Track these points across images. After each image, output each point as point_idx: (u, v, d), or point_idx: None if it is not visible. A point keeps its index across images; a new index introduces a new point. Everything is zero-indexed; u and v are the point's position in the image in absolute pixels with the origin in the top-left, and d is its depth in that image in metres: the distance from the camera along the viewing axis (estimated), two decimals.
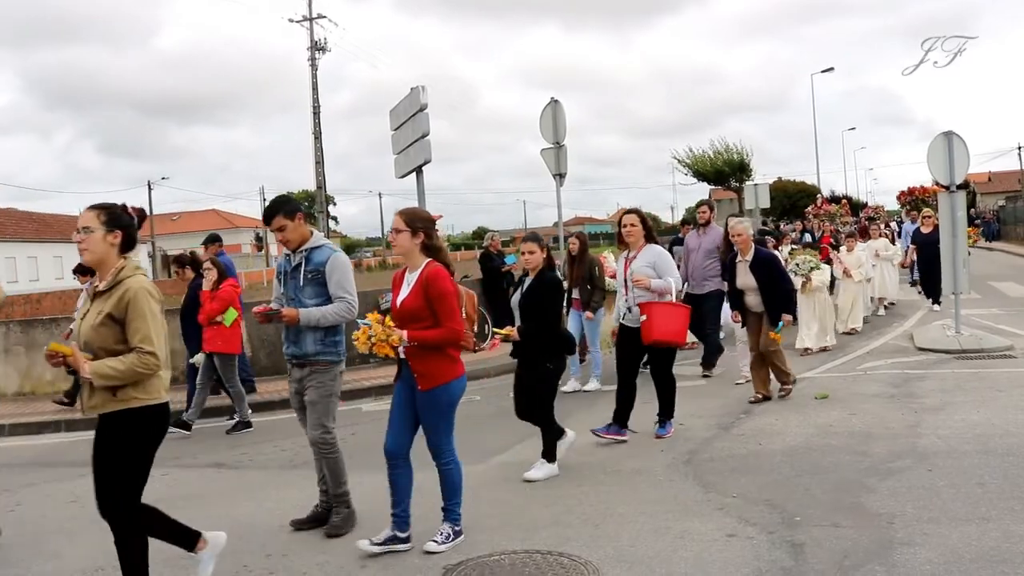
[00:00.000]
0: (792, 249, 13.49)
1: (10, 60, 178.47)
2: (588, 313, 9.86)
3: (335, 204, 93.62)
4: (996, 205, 50.10)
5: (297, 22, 43.60)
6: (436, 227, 5.05)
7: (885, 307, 15.14)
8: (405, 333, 4.70)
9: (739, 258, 8.33)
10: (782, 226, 23.65)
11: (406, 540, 4.89)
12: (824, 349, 11.33)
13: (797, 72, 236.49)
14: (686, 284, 9.91)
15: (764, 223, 24.84)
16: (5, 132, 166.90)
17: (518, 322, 6.35)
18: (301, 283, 5.31)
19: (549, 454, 6.31)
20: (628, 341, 7.10)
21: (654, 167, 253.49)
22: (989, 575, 4.02)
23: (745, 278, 8.25)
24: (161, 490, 6.81)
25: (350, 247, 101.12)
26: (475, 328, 5.20)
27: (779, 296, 8.14)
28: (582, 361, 10.32)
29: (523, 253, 6.32)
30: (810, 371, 9.83)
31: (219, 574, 4.74)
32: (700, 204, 10.93)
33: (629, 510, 5.31)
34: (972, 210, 46.35)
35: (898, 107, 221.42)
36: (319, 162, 43.36)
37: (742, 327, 8.62)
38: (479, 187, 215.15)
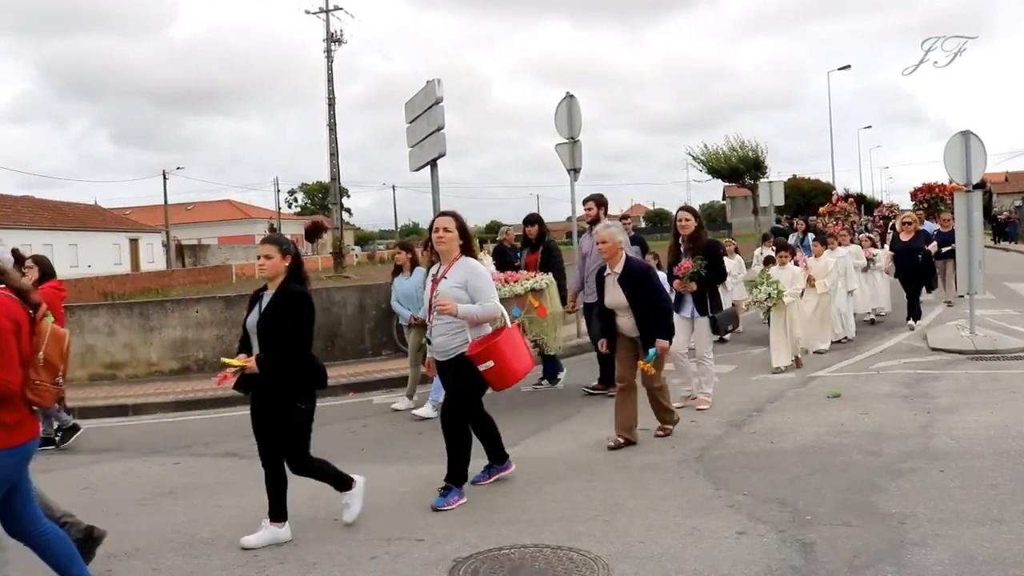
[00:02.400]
0: (766, 258, 11.98)
1: (26, 49, 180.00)
2: None
3: (349, 196, 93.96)
4: (1012, 205, 49.73)
5: (313, 14, 43.67)
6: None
7: (875, 319, 13.88)
8: None
9: (607, 270, 6.89)
10: (795, 223, 23.05)
11: None
12: (777, 370, 9.81)
13: (807, 69, 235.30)
14: (582, 293, 9.24)
15: (778, 220, 24.28)
16: (21, 120, 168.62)
17: (255, 348, 5.03)
18: None
19: (278, 512, 5.10)
20: (445, 377, 5.82)
21: (666, 163, 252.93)
22: None
23: (614, 294, 6.80)
24: (173, 478, 6.88)
25: (363, 240, 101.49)
26: (60, 377, 3.99)
27: (652, 317, 6.69)
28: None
29: (258, 257, 5.10)
30: (822, 370, 9.79)
31: (231, 562, 4.78)
32: (587, 200, 9.08)
33: (639, 506, 5.31)
34: (994, 210, 45.79)
35: (910, 106, 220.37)
36: (333, 154, 43.41)
37: (609, 353, 7.07)
38: (491, 181, 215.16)
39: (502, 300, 8.65)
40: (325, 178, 50.82)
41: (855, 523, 4.80)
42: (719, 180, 52.14)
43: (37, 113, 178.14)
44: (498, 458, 6.06)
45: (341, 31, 44.46)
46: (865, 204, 50.65)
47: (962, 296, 15.04)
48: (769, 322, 10.44)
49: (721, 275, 8.15)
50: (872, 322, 13.72)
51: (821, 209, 27.54)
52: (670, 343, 6.78)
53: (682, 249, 8.05)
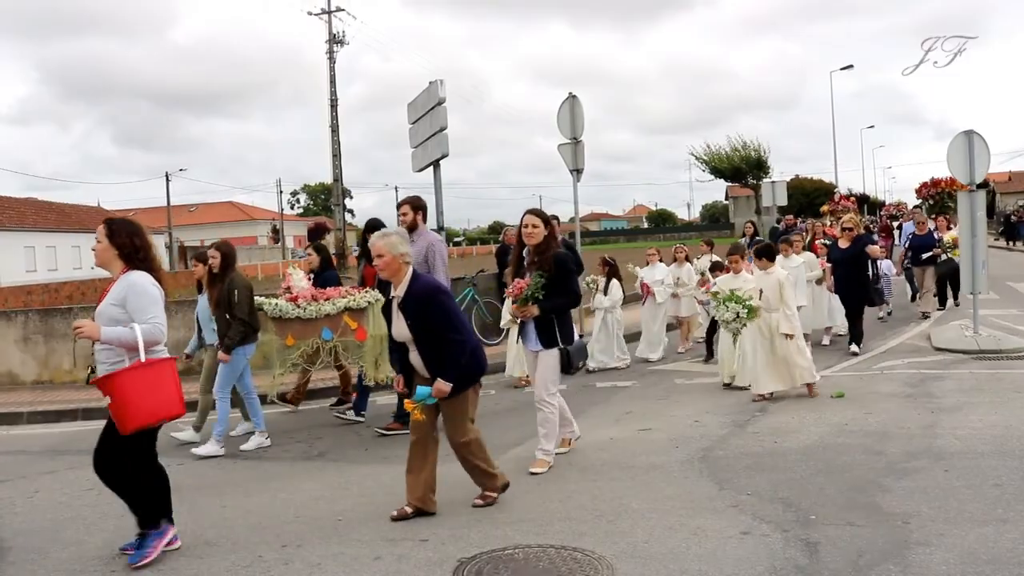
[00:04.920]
0: (713, 263, 11.00)
1: (28, 52, 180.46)
2: (222, 354, 7.66)
3: (351, 197, 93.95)
4: (1016, 205, 49.63)
5: (315, 15, 43.70)
6: None
7: (832, 339, 11.93)
8: None
9: (392, 291, 5.51)
10: (798, 223, 22.46)
11: None
12: (761, 397, 8.34)
13: (808, 70, 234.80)
14: None
15: (778, 220, 23.70)
16: (24, 123, 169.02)
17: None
18: None
19: None
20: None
21: (668, 163, 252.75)
22: None
23: (398, 324, 5.43)
24: (177, 480, 6.85)
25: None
26: None
27: (442, 352, 5.30)
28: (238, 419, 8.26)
29: None
30: (827, 370, 9.77)
31: (235, 565, 4.78)
32: (401, 204, 7.92)
33: (643, 506, 5.31)
34: (1008, 210, 45.28)
35: (911, 106, 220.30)
36: (336, 155, 43.45)
37: (407, 399, 5.60)
38: (493, 181, 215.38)
39: (309, 320, 7.96)
40: (328, 179, 50.92)
41: (859, 523, 4.80)
42: (722, 180, 52.33)
43: (40, 115, 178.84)
44: (148, 518, 4.96)
45: (343, 32, 44.44)
46: (868, 204, 50.60)
47: (942, 308, 14.44)
48: (735, 343, 8.92)
49: (571, 296, 6.35)
50: (829, 342, 11.82)
51: (823, 208, 27.39)
52: (463, 389, 5.37)
53: (526, 263, 6.46)
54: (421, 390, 5.25)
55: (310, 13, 43.89)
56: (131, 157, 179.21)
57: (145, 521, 4.92)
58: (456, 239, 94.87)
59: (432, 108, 11.93)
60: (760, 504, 5.22)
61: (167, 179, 64.43)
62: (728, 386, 9.07)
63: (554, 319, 6.27)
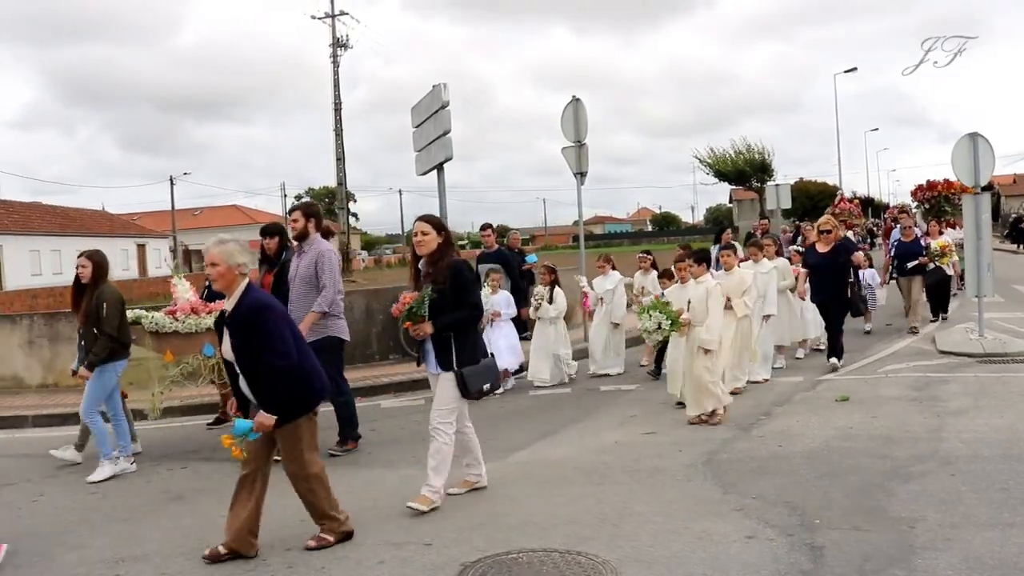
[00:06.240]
0: (663, 271, 10.25)
1: (33, 57, 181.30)
2: (83, 370, 7.19)
3: (355, 201, 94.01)
4: (1021, 208, 49.52)
5: (319, 19, 43.82)
6: None
7: (812, 349, 11.28)
8: None
9: (225, 305, 5.10)
10: (802, 227, 21.59)
11: None
12: (706, 418, 7.62)
13: (809, 72, 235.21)
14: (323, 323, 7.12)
15: (754, 228, 21.89)
16: (29, 128, 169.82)
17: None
18: None
19: None
20: None
21: (671, 166, 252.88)
22: None
23: (225, 342, 4.97)
24: (181, 483, 6.88)
25: (370, 244, 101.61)
26: None
27: (263, 379, 4.78)
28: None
29: None
30: (831, 373, 9.75)
31: (240, 566, 4.78)
32: (292, 210, 7.57)
33: (648, 510, 5.29)
34: (1014, 214, 45.00)
35: (913, 108, 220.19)
36: (340, 159, 43.54)
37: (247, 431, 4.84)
38: (496, 185, 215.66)
39: (189, 335, 7.39)
40: (332, 183, 50.85)
41: (865, 527, 4.78)
42: (726, 183, 52.37)
43: (45, 120, 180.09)
44: None
45: (347, 36, 44.57)
46: (872, 207, 50.51)
47: (935, 320, 13.56)
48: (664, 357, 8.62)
49: (469, 309, 5.62)
50: (804, 355, 11.08)
51: (827, 211, 27.28)
52: (292, 419, 4.85)
53: (422, 275, 5.72)
54: (240, 424, 4.69)
55: (313, 17, 44.08)
56: (135, 161, 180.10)
57: None
58: (460, 242, 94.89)
59: (436, 112, 11.92)
60: (765, 508, 5.21)
61: (171, 183, 64.61)
62: (681, 404, 8.10)
63: (452, 337, 5.55)
